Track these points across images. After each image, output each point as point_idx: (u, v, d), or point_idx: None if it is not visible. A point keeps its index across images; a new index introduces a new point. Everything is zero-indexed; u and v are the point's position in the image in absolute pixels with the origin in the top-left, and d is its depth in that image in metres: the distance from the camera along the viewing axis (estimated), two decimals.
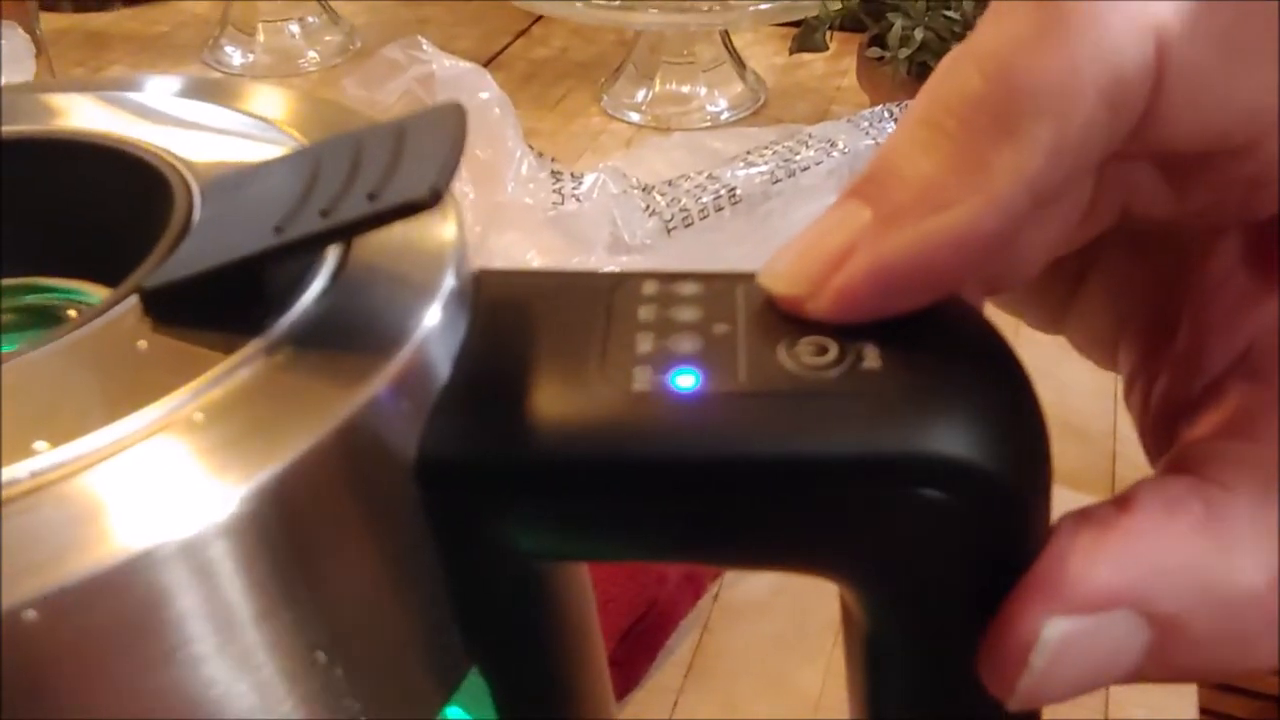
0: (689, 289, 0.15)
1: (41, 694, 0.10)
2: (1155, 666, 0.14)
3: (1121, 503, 0.14)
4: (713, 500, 0.13)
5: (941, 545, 0.13)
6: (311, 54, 0.88)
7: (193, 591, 0.11)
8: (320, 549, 0.12)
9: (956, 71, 0.14)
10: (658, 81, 0.80)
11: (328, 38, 0.89)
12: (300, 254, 0.13)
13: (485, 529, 0.14)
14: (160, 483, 0.11)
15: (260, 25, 0.88)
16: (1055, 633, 0.13)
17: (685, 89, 0.80)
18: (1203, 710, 0.88)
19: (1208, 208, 0.15)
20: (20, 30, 0.75)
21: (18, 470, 0.11)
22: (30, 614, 0.10)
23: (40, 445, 0.11)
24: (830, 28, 0.73)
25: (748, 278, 0.15)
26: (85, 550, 0.10)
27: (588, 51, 0.89)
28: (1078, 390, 0.55)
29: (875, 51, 0.69)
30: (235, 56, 0.87)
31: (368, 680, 0.13)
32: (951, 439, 0.13)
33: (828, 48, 0.76)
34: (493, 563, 0.14)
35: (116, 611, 0.11)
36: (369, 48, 0.88)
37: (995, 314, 0.21)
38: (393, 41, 0.60)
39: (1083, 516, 0.14)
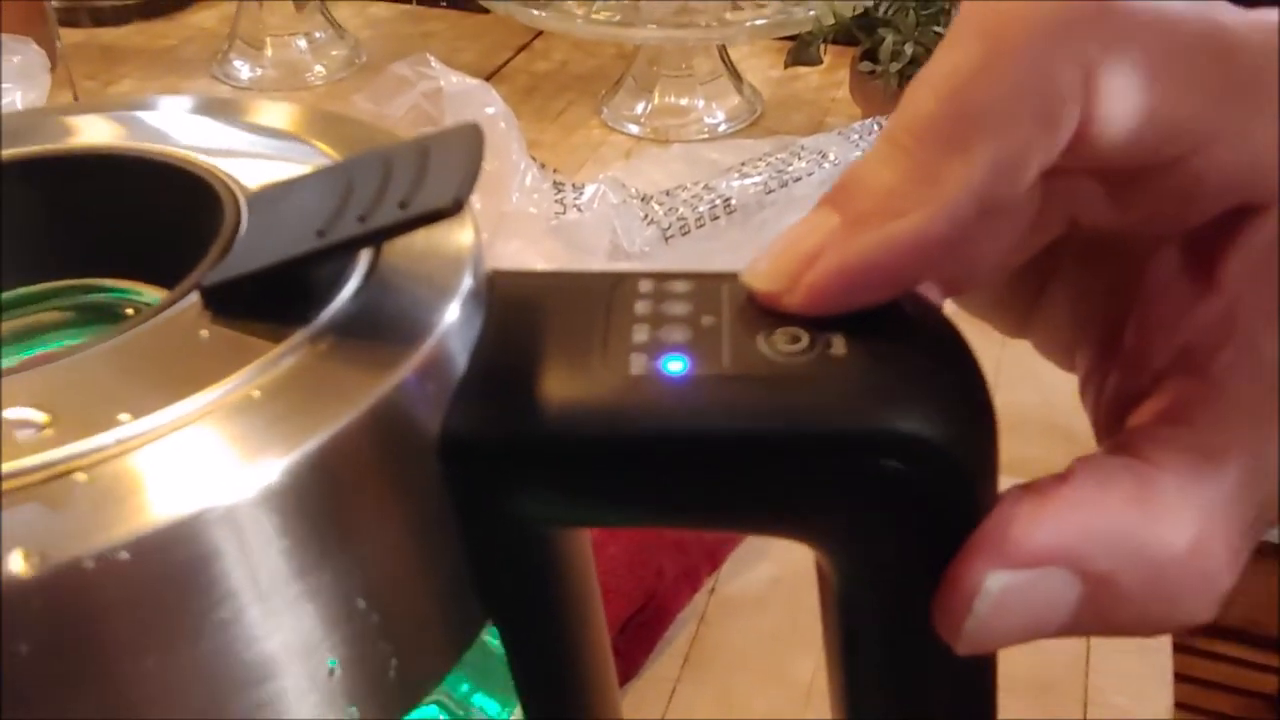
0: (680, 287, 0.17)
1: (126, 624, 0.12)
2: (1090, 620, 0.15)
3: (1061, 476, 0.16)
4: (700, 470, 0.15)
5: (900, 510, 0.15)
6: (318, 68, 0.90)
7: (251, 543, 0.13)
8: (356, 511, 0.14)
9: (915, 94, 0.16)
10: (656, 94, 0.82)
11: (334, 52, 0.91)
12: (340, 255, 0.15)
13: (499, 498, 0.16)
14: (223, 450, 0.13)
15: (268, 40, 0.90)
16: (996, 584, 0.15)
17: (683, 101, 0.82)
18: (1192, 708, 0.90)
19: (1145, 217, 0.17)
20: (34, 45, 0.77)
21: (106, 438, 0.13)
22: (124, 554, 0.12)
23: (124, 417, 0.13)
24: (824, 42, 0.75)
25: (732, 277, 0.17)
26: (162, 505, 0.12)
27: (588, 65, 0.91)
28: (1064, 392, 0.56)
29: (867, 65, 0.71)
30: (243, 70, 0.89)
31: (398, 627, 0.15)
32: (908, 417, 0.15)
33: (822, 61, 0.78)
34: (505, 528, 0.16)
35: (186, 557, 0.12)
36: (374, 62, 0.90)
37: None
38: (397, 55, 0.62)
39: (1026, 487, 0.16)
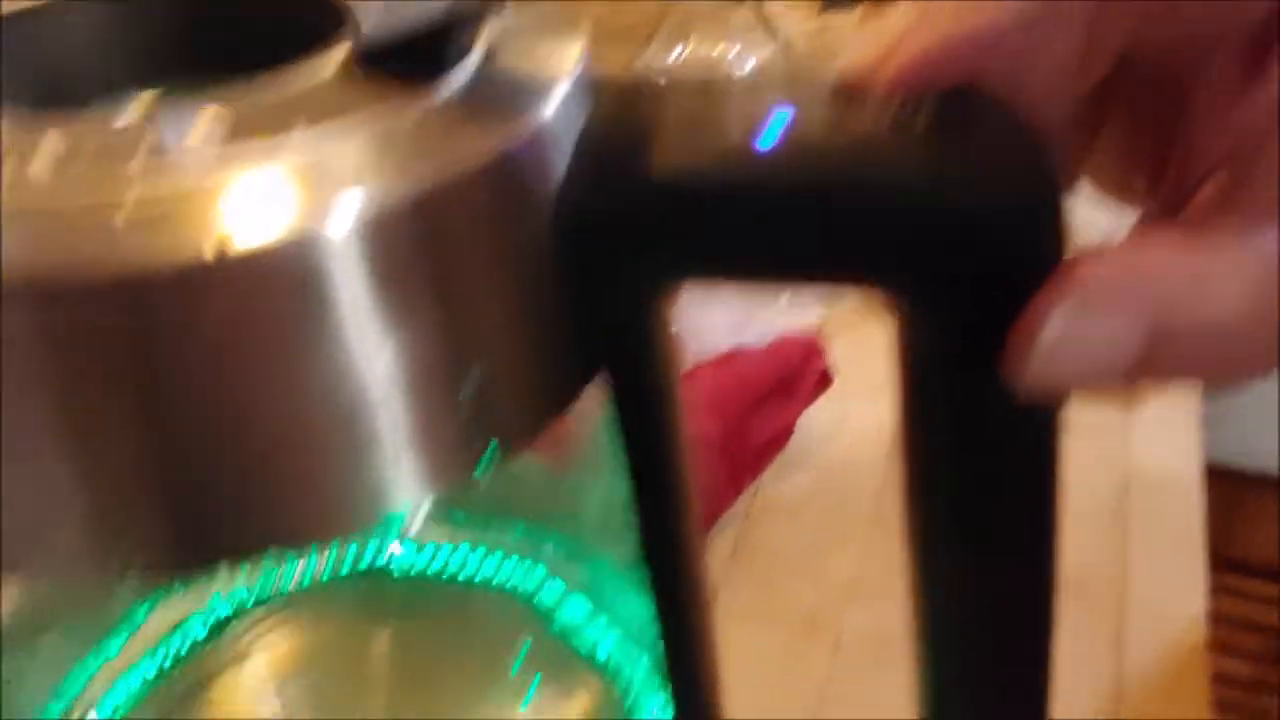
0: (777, 77, 0.18)
1: (281, 311, 0.14)
2: (1152, 363, 0.17)
3: (1125, 238, 0.17)
4: (796, 223, 0.17)
5: (970, 270, 0.17)
6: None
7: (381, 258, 0.15)
8: (473, 252, 0.16)
9: None
10: (691, 48, 0.83)
11: None
12: (470, 21, 0.17)
13: (607, 257, 0.17)
14: (367, 172, 0.15)
15: None
16: (1059, 319, 0.16)
17: (717, 54, 0.83)
18: (1223, 645, 0.90)
19: (1201, 18, 0.18)
20: None
21: (271, 151, 0.14)
22: (294, 247, 0.14)
23: (285, 138, 0.15)
24: None
25: (824, 70, 0.18)
26: (312, 213, 0.14)
27: (622, 21, 0.92)
28: None
29: None
30: None
31: (507, 373, 0.17)
32: (979, 184, 0.16)
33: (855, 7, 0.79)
34: (612, 285, 0.17)
35: (329, 258, 0.14)
36: None
37: None
38: None
39: (1094, 249, 0.17)
